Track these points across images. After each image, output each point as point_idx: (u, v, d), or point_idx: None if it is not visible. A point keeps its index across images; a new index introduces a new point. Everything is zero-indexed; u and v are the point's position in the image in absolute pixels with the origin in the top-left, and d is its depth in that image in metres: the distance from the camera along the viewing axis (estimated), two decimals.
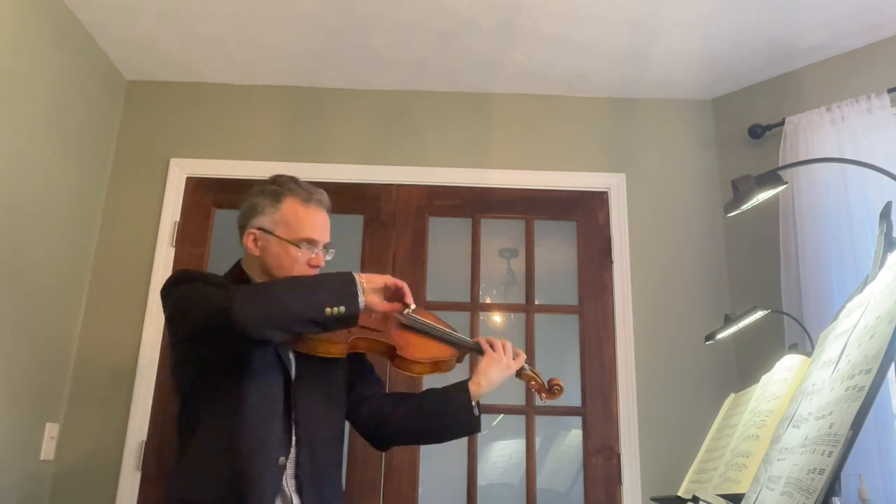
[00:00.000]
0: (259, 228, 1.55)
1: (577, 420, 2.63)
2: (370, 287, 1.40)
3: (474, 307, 2.72)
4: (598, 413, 2.60)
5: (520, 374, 1.69)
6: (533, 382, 1.69)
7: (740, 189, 1.58)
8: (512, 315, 2.81)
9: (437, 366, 1.61)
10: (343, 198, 2.58)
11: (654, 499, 2.25)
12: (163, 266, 2.69)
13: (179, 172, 2.81)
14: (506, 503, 2.63)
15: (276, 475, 1.41)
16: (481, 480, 2.59)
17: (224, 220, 2.81)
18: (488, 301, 2.87)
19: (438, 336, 1.62)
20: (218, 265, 2.72)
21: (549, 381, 1.69)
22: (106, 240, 2.72)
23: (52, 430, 2.45)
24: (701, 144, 2.90)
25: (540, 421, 2.65)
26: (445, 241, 2.83)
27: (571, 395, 2.65)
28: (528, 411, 2.59)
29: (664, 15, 2.41)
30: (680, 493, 1.97)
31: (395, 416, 1.62)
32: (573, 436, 2.66)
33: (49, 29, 2.34)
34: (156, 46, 2.67)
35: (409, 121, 2.91)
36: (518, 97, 2.95)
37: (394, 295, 1.48)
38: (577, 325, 2.71)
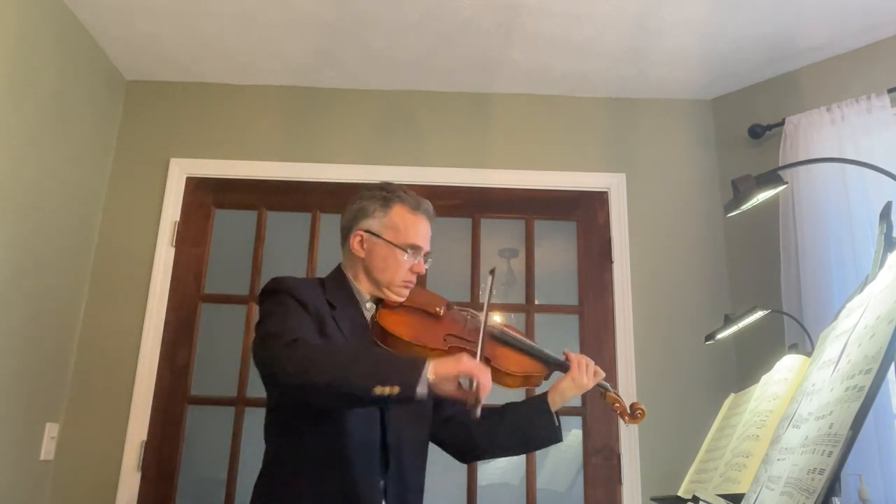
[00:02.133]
0: (367, 231, 1.56)
1: (577, 420, 2.63)
2: (440, 376, 1.23)
3: (474, 307, 2.71)
4: (598, 413, 2.60)
5: (605, 395, 1.69)
6: (617, 405, 1.69)
7: (740, 189, 1.59)
8: (512, 315, 2.81)
9: (529, 380, 1.62)
10: (343, 198, 2.58)
11: (654, 499, 2.25)
12: (163, 266, 2.69)
13: (179, 172, 2.81)
14: (506, 503, 2.63)
15: (378, 499, 1.39)
16: (481, 480, 2.59)
17: (224, 220, 2.82)
18: None
19: (528, 351, 1.64)
20: (218, 265, 2.74)
21: (632, 406, 1.69)
22: (106, 240, 2.72)
23: (52, 430, 2.45)
24: (701, 144, 2.90)
25: None
26: (445, 241, 2.82)
27: None
28: None
29: (664, 15, 2.41)
30: (680, 493, 1.97)
31: (481, 434, 1.63)
32: (573, 436, 2.65)
33: (49, 29, 2.34)
34: (156, 46, 2.67)
35: (409, 121, 2.91)
36: (518, 97, 2.95)
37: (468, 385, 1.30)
38: (577, 325, 2.71)
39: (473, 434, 1.63)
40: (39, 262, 2.34)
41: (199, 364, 2.63)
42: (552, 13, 2.42)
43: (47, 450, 2.42)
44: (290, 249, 2.79)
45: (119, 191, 2.79)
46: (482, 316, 1.49)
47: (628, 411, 1.68)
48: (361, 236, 1.56)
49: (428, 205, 1.62)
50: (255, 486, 1.46)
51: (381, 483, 1.42)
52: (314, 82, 2.91)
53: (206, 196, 2.81)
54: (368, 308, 1.56)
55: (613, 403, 1.69)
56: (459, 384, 1.26)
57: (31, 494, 2.35)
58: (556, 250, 2.87)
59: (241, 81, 2.92)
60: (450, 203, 2.82)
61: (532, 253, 2.80)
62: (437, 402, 1.62)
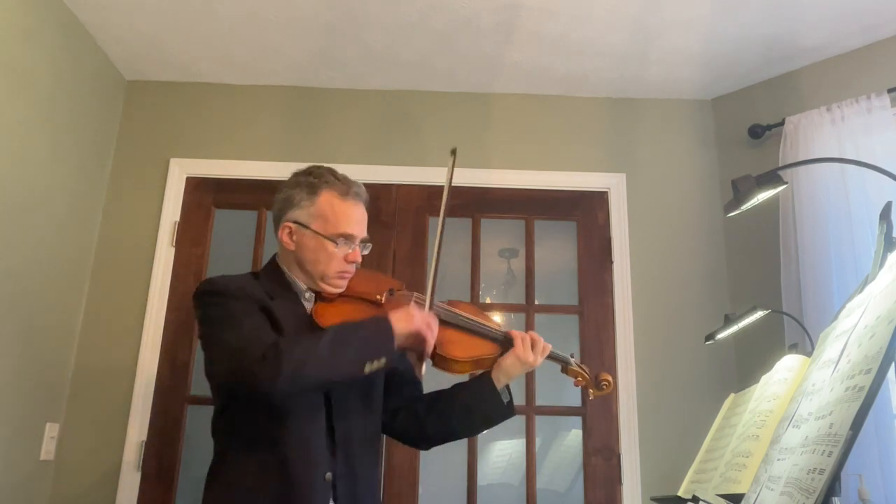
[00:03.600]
0: (294, 222, 1.49)
1: (577, 420, 2.63)
2: (400, 333, 1.35)
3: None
4: (598, 413, 2.60)
5: (566, 370, 1.60)
6: (580, 378, 1.59)
7: (740, 189, 1.58)
8: (512, 315, 2.81)
9: (480, 364, 1.53)
10: None
11: (654, 499, 2.25)
12: (163, 266, 2.69)
13: (179, 172, 2.81)
14: (506, 503, 2.63)
15: (325, 493, 1.37)
16: (481, 480, 2.59)
17: (224, 220, 2.82)
18: (488, 301, 2.87)
19: (478, 332, 1.54)
20: (218, 265, 2.73)
21: (597, 377, 1.59)
22: (106, 240, 2.72)
23: (52, 430, 2.45)
24: (701, 144, 2.90)
25: (540, 421, 2.65)
26: (445, 240, 2.82)
27: (571, 395, 2.65)
28: (528, 411, 2.60)
29: (664, 15, 2.41)
30: (680, 493, 1.97)
31: (431, 421, 1.59)
32: (573, 436, 2.65)
33: (49, 29, 2.34)
34: (156, 46, 2.67)
35: (409, 121, 2.91)
36: (518, 97, 2.95)
37: (416, 340, 1.40)
38: (577, 325, 2.71)
39: (424, 421, 1.59)
40: (39, 262, 2.34)
41: (199, 364, 2.63)
42: (552, 13, 2.42)
43: (47, 450, 2.42)
44: None
45: (119, 191, 2.79)
46: (430, 274, 1.47)
47: (593, 383, 1.58)
48: (290, 228, 1.49)
49: (359, 188, 1.53)
50: (204, 486, 1.44)
51: (329, 475, 1.38)
52: (314, 82, 2.91)
53: (206, 196, 2.81)
54: (308, 298, 1.51)
55: (576, 377, 1.59)
56: (407, 338, 1.36)
57: (31, 494, 2.35)
58: (556, 250, 2.87)
59: (241, 81, 2.92)
60: (450, 203, 2.81)
61: (532, 253, 2.80)
62: (387, 388, 1.60)
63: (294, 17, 2.47)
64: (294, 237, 1.49)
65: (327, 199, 1.49)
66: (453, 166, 1.52)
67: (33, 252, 2.31)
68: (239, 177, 2.82)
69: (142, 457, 2.50)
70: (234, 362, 1.29)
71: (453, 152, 1.54)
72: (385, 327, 1.34)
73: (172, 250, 2.72)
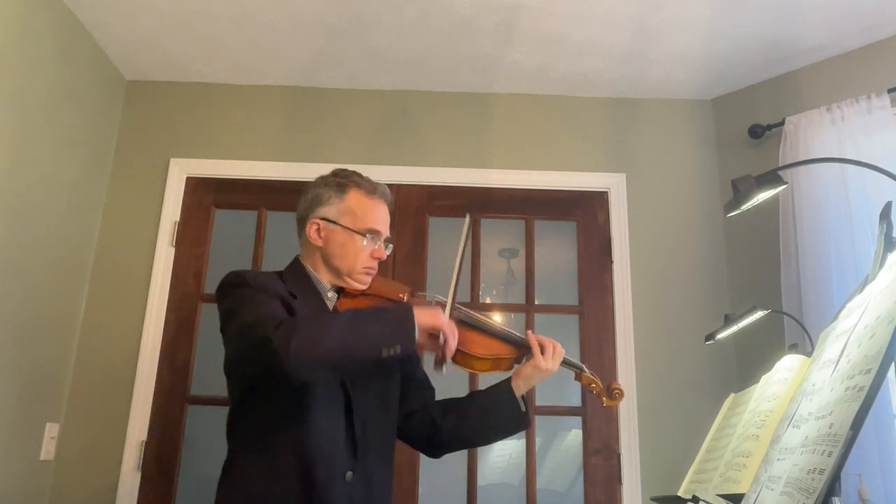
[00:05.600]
0: (323, 218, 1.54)
1: (577, 420, 2.63)
2: (422, 324, 1.32)
3: (474, 307, 2.71)
4: (598, 413, 2.60)
5: (580, 377, 1.66)
6: (593, 386, 1.65)
7: (740, 189, 1.58)
8: (512, 315, 2.81)
9: (498, 363, 1.58)
10: None
11: (654, 499, 2.25)
12: (163, 266, 2.69)
13: (179, 172, 2.81)
14: (506, 503, 2.63)
15: (343, 491, 1.37)
16: (481, 480, 2.59)
17: (224, 220, 2.82)
18: (488, 301, 2.87)
19: (496, 334, 1.60)
20: (218, 265, 2.74)
21: (609, 387, 1.65)
22: (106, 240, 2.72)
23: (52, 430, 2.45)
24: (701, 144, 2.90)
25: (540, 421, 2.65)
26: (445, 241, 2.83)
27: (571, 395, 2.65)
28: (528, 411, 2.60)
29: (664, 15, 2.41)
30: (680, 493, 1.97)
31: (446, 426, 1.60)
32: (573, 436, 2.65)
33: (49, 29, 2.34)
34: (156, 46, 2.67)
35: (409, 121, 2.91)
36: (518, 97, 2.95)
37: (436, 341, 1.38)
38: (577, 325, 2.71)
39: (440, 426, 1.60)
40: (39, 262, 2.34)
41: (199, 364, 2.63)
42: (552, 13, 2.42)
43: (47, 450, 2.42)
44: (289, 249, 2.77)
45: (119, 191, 2.79)
46: (452, 280, 1.48)
47: (605, 392, 1.64)
48: (318, 224, 1.54)
49: (384, 188, 1.59)
50: (217, 487, 1.43)
51: (350, 474, 1.39)
52: (314, 82, 2.91)
53: (206, 196, 2.81)
54: (330, 297, 1.53)
55: (589, 385, 1.65)
56: (429, 336, 1.34)
57: (31, 494, 2.35)
58: (556, 250, 2.87)
59: (241, 81, 2.92)
60: (450, 203, 2.82)
61: (532, 253, 2.80)
62: (403, 391, 1.62)
63: (294, 17, 2.47)
64: (322, 233, 1.54)
65: (356, 196, 1.55)
66: (468, 231, 1.55)
67: (33, 252, 2.31)
68: (239, 177, 2.82)
69: (142, 457, 2.50)
70: (250, 334, 1.29)
71: (468, 216, 1.57)
72: (407, 314, 1.30)
73: (172, 250, 2.72)
